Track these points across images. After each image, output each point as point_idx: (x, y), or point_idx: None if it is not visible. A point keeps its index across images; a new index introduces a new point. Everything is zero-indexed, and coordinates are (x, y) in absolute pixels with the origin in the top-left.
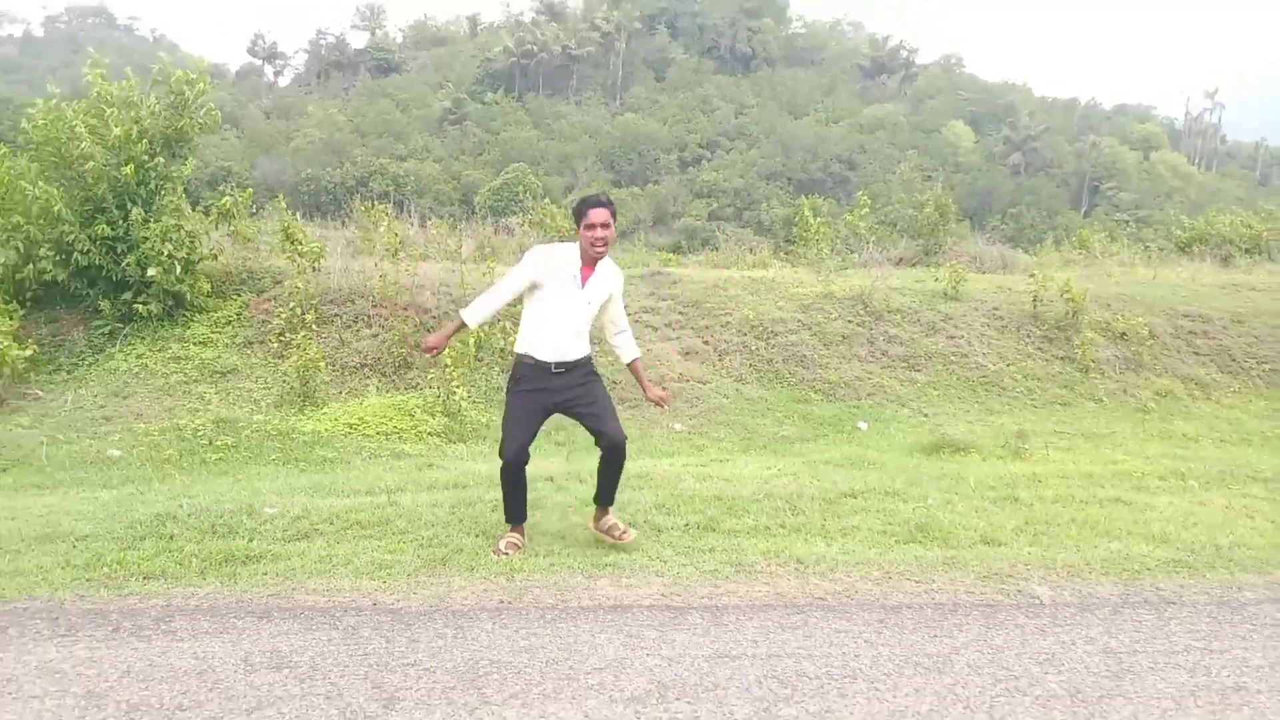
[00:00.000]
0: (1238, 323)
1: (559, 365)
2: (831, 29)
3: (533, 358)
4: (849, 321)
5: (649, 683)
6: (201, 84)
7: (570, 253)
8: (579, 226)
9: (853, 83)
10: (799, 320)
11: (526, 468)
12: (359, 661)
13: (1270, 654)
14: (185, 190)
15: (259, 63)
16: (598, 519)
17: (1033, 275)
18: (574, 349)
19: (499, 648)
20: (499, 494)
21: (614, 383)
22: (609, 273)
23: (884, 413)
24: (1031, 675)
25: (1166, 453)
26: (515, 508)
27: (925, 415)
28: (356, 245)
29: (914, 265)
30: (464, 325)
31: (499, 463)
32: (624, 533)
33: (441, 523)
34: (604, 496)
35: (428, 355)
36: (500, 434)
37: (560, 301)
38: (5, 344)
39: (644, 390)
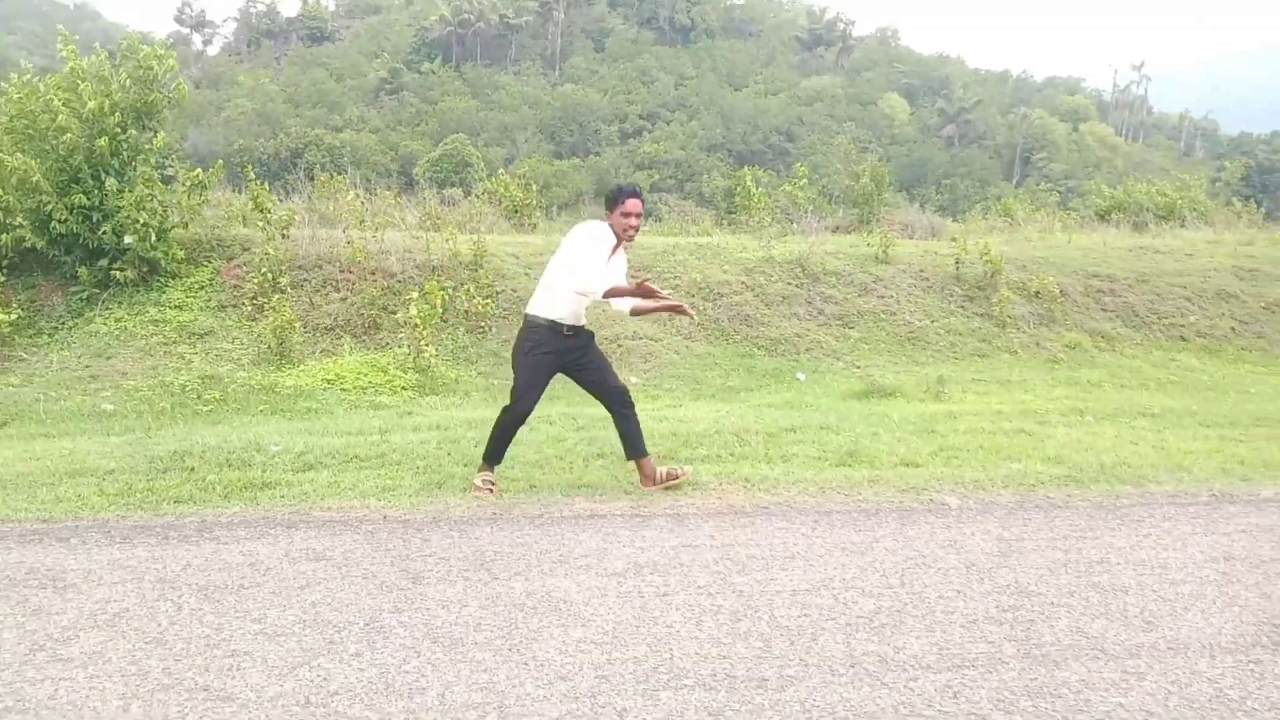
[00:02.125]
0: (1142, 282)
1: (570, 329)
2: (769, 0)
3: (548, 319)
4: (788, 283)
5: (626, 563)
6: (170, 59)
7: (608, 233)
8: (612, 211)
9: (791, 54)
10: (743, 282)
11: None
12: (384, 554)
13: (1132, 539)
14: (155, 162)
15: (187, 31)
16: (646, 473)
17: (954, 240)
18: (584, 315)
19: (500, 543)
20: (482, 434)
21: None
22: (621, 253)
23: (820, 365)
24: (936, 555)
25: (1070, 395)
26: (499, 451)
27: (857, 367)
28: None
29: (850, 233)
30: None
31: (479, 409)
32: (683, 470)
33: (432, 456)
34: (635, 447)
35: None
36: (514, 386)
37: (610, 273)
38: None
39: (663, 307)
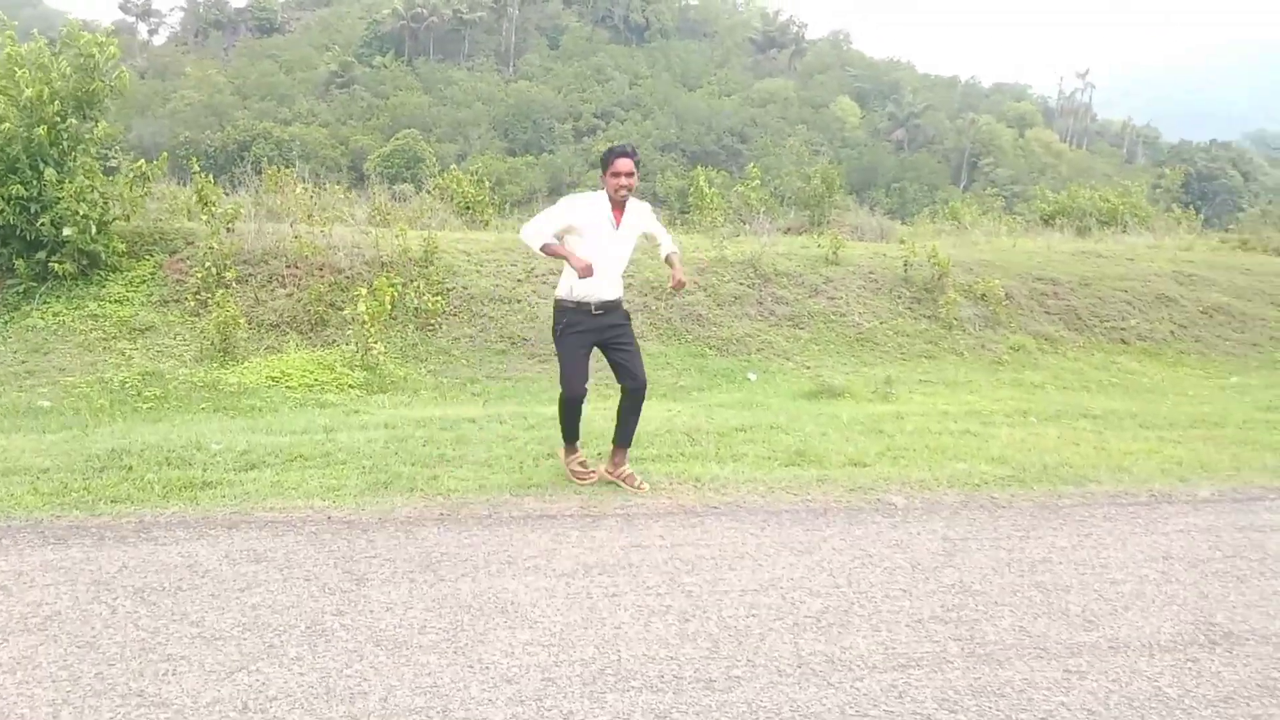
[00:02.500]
0: (1085, 285)
1: (599, 306)
2: (724, 1)
3: (574, 300)
4: (740, 284)
5: (575, 564)
6: (111, 47)
7: (600, 201)
8: (605, 174)
9: (745, 56)
10: (695, 283)
11: (584, 401)
12: (327, 555)
13: (1074, 539)
14: (96, 152)
15: (132, 20)
16: (615, 464)
17: (903, 242)
18: (610, 290)
19: (446, 544)
20: (426, 433)
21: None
22: (635, 209)
23: (771, 365)
24: (883, 554)
25: (1014, 396)
26: (572, 429)
27: (808, 368)
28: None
29: (801, 234)
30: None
31: (428, 408)
32: (640, 484)
33: (378, 455)
34: (622, 437)
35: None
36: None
37: (598, 245)
38: None
39: (673, 275)
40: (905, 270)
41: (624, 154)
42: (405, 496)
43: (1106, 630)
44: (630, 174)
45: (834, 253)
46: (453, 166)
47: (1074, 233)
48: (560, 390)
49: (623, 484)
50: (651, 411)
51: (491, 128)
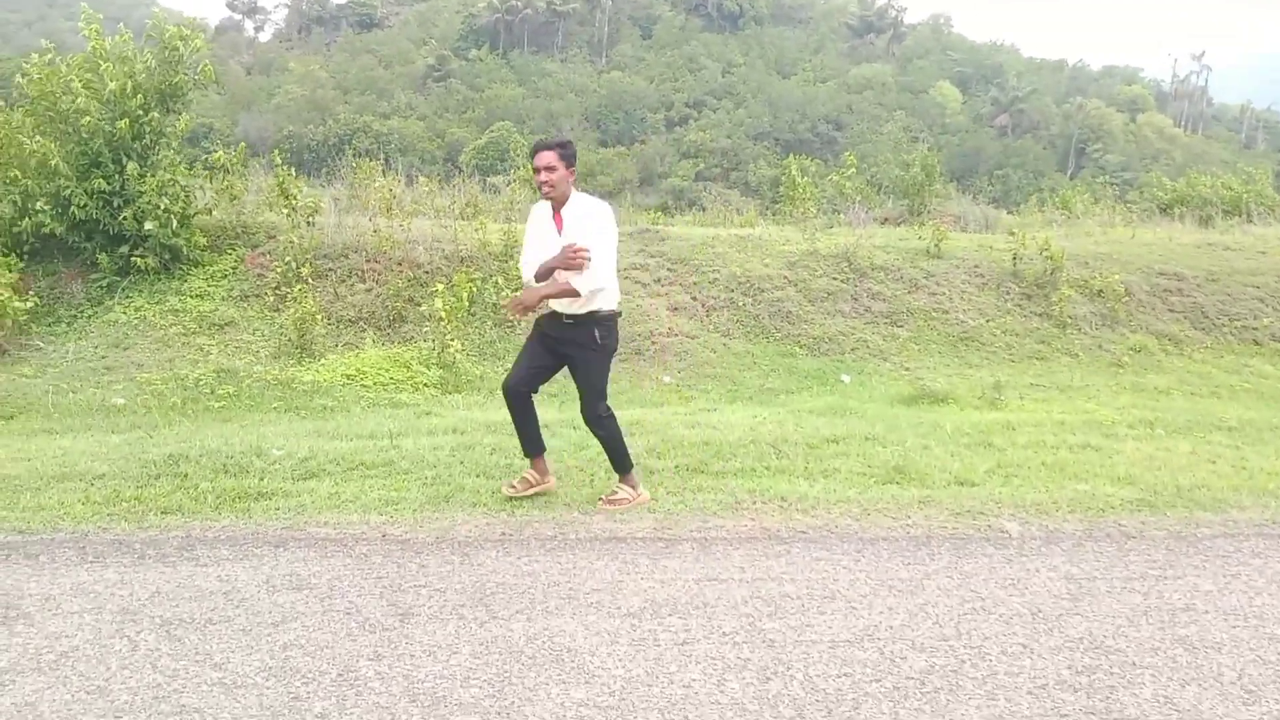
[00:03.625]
0: (1212, 281)
1: (569, 317)
2: None
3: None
4: (833, 278)
5: (644, 601)
6: (196, 40)
7: (543, 205)
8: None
9: (841, 42)
10: (785, 277)
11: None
12: (374, 583)
13: (1219, 580)
14: (179, 146)
15: (239, 18)
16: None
17: (1012, 234)
18: (566, 303)
19: (503, 572)
20: (495, 439)
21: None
22: (581, 212)
23: (866, 366)
24: (997, 597)
25: (1137, 403)
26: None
27: (906, 369)
28: (345, 202)
29: (899, 225)
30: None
31: (501, 410)
32: (617, 496)
33: (443, 464)
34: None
35: (517, 315)
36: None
37: (545, 253)
38: (5, 295)
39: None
40: (1014, 264)
41: (543, 147)
42: (467, 513)
43: (1272, 705)
44: (550, 168)
45: (935, 245)
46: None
47: (1195, 223)
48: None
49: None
50: (735, 417)
51: (584, 119)
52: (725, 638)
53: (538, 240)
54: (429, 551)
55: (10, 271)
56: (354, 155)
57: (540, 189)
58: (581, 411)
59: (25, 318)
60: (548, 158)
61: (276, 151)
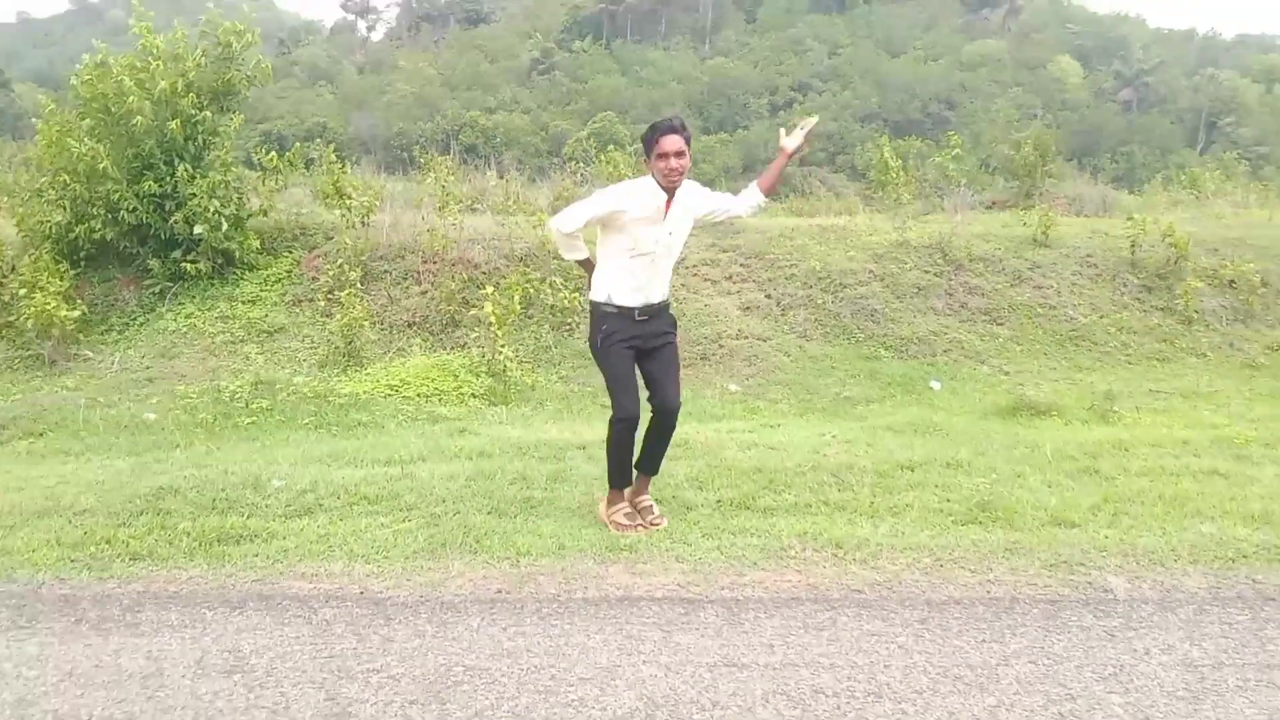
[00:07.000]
0: None
1: (643, 311)
2: None
3: (615, 304)
4: (925, 271)
5: (638, 698)
6: (250, 36)
7: (647, 187)
8: (649, 157)
9: (953, 18)
10: (870, 271)
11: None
12: (319, 667)
13: None
14: (255, 144)
15: (352, 18)
16: (635, 490)
17: (1130, 218)
18: (658, 291)
19: (479, 650)
20: (522, 465)
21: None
22: (686, 194)
23: (960, 370)
24: (1093, 694)
25: (1276, 416)
26: (622, 466)
27: (1006, 373)
28: (411, 200)
29: (1010, 208)
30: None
31: (545, 428)
32: (657, 518)
33: (454, 498)
34: (645, 463)
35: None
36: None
37: (643, 238)
38: (54, 304)
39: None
40: (1132, 252)
41: (671, 129)
42: (465, 561)
43: None
44: (680, 153)
45: (1043, 232)
46: (611, 147)
47: None
48: (611, 414)
49: (639, 515)
50: (800, 435)
51: (687, 106)
52: None
53: (637, 226)
54: (402, 618)
55: (61, 280)
56: (456, 152)
57: (668, 176)
58: (669, 403)
59: (74, 326)
60: (677, 142)
61: (331, 147)
